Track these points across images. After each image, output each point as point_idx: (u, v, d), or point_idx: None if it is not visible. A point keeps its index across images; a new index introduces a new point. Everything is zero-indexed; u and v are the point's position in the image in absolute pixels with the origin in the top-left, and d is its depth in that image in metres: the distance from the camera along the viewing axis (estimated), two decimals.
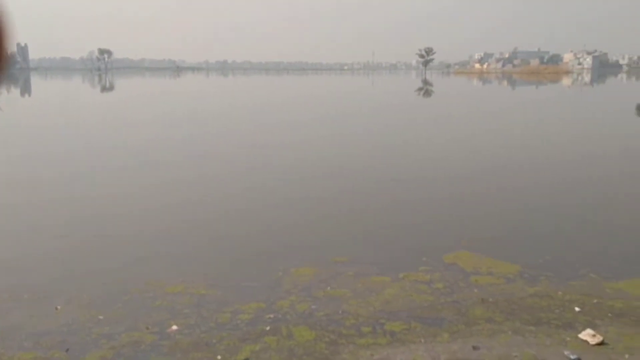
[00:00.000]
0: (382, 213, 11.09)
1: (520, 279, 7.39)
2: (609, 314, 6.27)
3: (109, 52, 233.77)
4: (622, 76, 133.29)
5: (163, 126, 28.23)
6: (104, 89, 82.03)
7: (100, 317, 6.33)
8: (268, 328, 6.00)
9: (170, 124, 29.79)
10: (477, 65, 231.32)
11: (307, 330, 5.97)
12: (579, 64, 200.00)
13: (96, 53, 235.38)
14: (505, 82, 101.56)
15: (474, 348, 5.60)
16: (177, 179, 14.41)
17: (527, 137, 23.14)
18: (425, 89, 76.81)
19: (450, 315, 6.32)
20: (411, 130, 26.00)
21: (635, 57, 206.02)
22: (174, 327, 6.04)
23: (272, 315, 6.32)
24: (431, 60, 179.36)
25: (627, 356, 5.36)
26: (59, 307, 6.59)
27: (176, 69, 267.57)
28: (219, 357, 5.45)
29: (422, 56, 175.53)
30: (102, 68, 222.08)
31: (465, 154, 18.26)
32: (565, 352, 5.42)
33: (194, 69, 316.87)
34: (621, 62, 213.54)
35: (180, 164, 16.77)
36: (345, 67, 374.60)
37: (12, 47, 0.56)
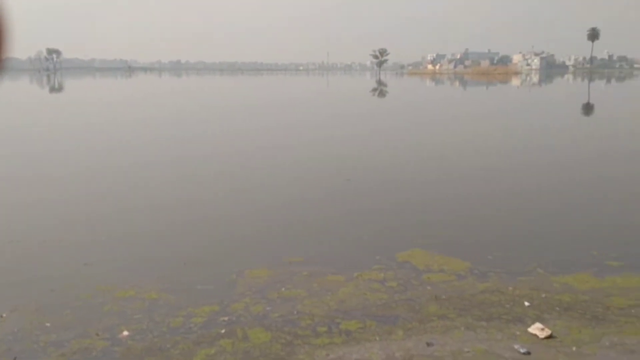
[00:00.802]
0: (336, 214, 11.10)
1: (470, 275, 7.53)
2: (557, 308, 6.46)
3: (57, 52, 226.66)
4: (569, 77, 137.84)
5: (107, 130, 27.61)
6: (52, 90, 79.58)
7: (48, 324, 6.12)
8: (223, 331, 5.94)
9: (116, 128, 29.14)
10: (430, 66, 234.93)
11: (262, 331, 5.93)
12: (528, 64, 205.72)
13: (44, 53, 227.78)
14: (457, 83, 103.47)
15: (428, 344, 5.67)
16: (125, 184, 14.11)
17: (481, 140, 23.62)
18: (380, 90, 77.54)
19: (405, 313, 6.38)
20: (368, 133, 26.17)
21: (580, 58, 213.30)
22: (125, 333, 5.91)
23: (226, 318, 6.25)
24: (385, 61, 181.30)
25: (574, 349, 5.53)
26: (4, 314, 6.34)
27: (128, 69, 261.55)
28: None
29: (376, 57, 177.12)
30: (50, 68, 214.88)
31: (418, 157, 18.43)
32: (516, 346, 5.55)
33: (147, 69, 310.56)
34: (567, 63, 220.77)
35: (130, 169, 16.43)
36: (301, 68, 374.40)
37: (10, 47, 0.53)
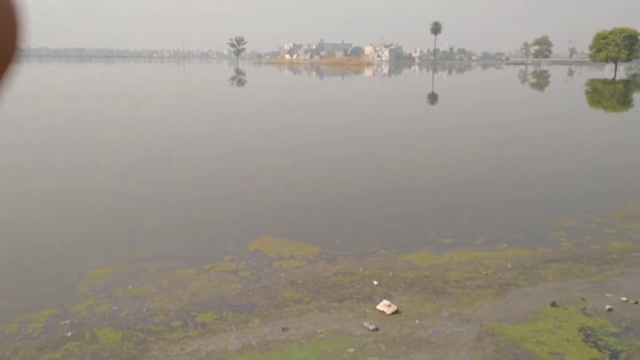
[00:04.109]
0: (183, 205, 10.82)
1: (320, 259, 7.76)
2: (402, 285, 6.87)
3: None
4: (415, 67, 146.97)
5: None
6: None
7: None
8: (69, 334, 5.57)
9: None
10: (287, 56, 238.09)
11: (112, 332, 5.65)
12: (378, 56, 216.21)
13: None
14: (314, 73, 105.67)
15: (284, 329, 5.76)
16: None
17: (330, 130, 24.28)
18: (239, 79, 76.86)
19: (261, 301, 6.42)
20: (217, 121, 25.85)
21: (425, 51, 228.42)
22: None
23: (67, 322, 5.85)
24: (243, 49, 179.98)
25: (417, 322, 5.92)
26: None
27: None
28: None
29: (233, 45, 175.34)
30: None
31: (264, 146, 18.42)
32: (365, 324, 5.82)
33: None
34: (414, 55, 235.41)
35: None
36: (155, 55, 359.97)
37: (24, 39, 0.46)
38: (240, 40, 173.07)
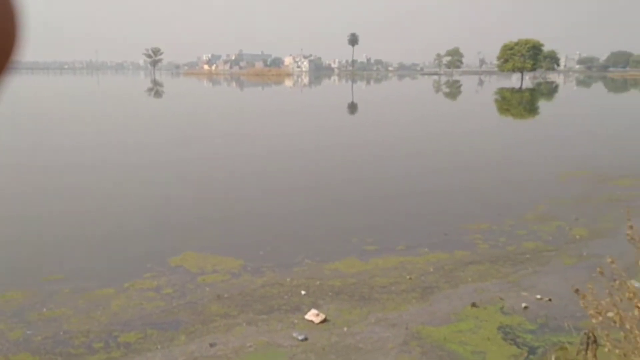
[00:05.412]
0: (95, 220, 10.40)
1: (245, 272, 7.67)
2: (330, 293, 6.92)
3: None
4: (335, 78, 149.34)
5: None
6: None
7: None
8: None
9: None
10: (206, 67, 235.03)
11: (28, 357, 5.37)
12: (298, 67, 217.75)
13: None
14: (234, 84, 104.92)
15: (211, 345, 5.65)
16: None
17: (252, 139, 24.20)
18: (156, 90, 75.01)
19: (187, 317, 6.27)
20: (135, 131, 25.13)
21: (343, 61, 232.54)
22: None
23: None
24: (160, 60, 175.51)
25: (345, 329, 5.97)
26: None
27: None
28: None
29: (149, 56, 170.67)
30: None
31: (183, 156, 18.12)
32: (294, 334, 5.81)
33: None
34: (333, 65, 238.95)
35: None
36: (66, 67, 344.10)
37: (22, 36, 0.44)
38: (156, 51, 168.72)
